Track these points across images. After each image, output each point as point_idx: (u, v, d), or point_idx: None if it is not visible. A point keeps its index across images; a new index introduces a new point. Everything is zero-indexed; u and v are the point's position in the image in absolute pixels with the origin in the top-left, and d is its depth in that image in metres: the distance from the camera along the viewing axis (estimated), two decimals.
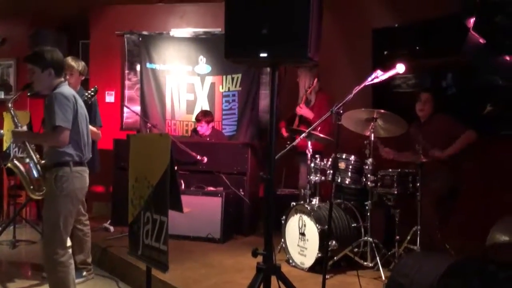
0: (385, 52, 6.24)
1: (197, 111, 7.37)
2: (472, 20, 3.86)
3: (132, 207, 3.03)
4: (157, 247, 2.74)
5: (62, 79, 3.85)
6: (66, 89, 3.76)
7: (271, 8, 2.98)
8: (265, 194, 3.21)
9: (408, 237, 4.60)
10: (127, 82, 7.63)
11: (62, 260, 3.71)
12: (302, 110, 5.80)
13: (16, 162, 4.00)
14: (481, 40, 3.87)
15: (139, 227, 2.95)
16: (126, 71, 7.64)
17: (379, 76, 3.64)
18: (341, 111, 3.51)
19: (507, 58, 4.16)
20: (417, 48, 5.92)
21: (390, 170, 4.72)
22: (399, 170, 4.70)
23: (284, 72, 6.42)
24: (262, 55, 3.00)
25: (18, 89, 8.22)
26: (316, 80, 5.72)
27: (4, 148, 6.37)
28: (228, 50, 3.07)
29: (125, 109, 7.38)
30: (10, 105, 4.03)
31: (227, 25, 3.05)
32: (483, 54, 4.06)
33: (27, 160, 3.85)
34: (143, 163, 2.93)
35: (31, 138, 4.02)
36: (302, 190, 5.26)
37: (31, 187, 3.95)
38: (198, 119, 6.74)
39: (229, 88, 7.39)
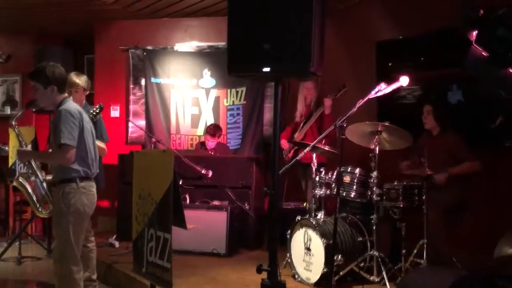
0: (390, 64, 6.23)
1: (201, 125, 7.39)
2: (475, 33, 3.85)
3: (136, 224, 3.02)
4: (161, 265, 2.73)
5: (66, 94, 3.85)
6: (71, 105, 3.75)
7: (274, 23, 2.99)
8: (269, 209, 3.19)
9: (415, 251, 4.56)
10: (132, 97, 7.67)
11: (76, 277, 3.69)
12: (327, 102, 5.79)
13: (21, 180, 3.98)
14: (484, 53, 3.86)
15: (143, 244, 2.94)
16: (131, 86, 7.69)
17: (383, 89, 3.63)
18: (345, 125, 3.49)
19: (511, 71, 4.15)
20: (422, 59, 5.90)
21: (396, 183, 4.69)
22: (405, 183, 4.68)
23: (288, 85, 6.44)
24: (265, 69, 3.00)
25: (23, 106, 8.37)
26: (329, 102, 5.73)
27: (10, 165, 6.39)
28: (231, 65, 3.08)
29: (130, 124, 7.39)
30: (14, 123, 4.03)
31: (230, 40, 3.06)
32: (486, 68, 4.04)
33: (33, 178, 3.84)
34: (147, 180, 2.92)
35: (36, 157, 4.01)
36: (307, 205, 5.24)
37: (38, 205, 3.94)
38: (211, 134, 6.74)
39: (233, 101, 7.40)
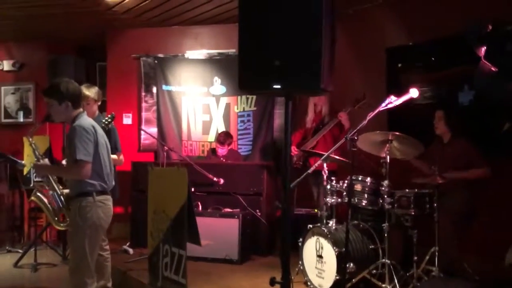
0: (399, 65, 6.24)
1: (213, 131, 7.45)
2: (484, 48, 3.87)
3: (152, 239, 3.08)
4: (176, 280, 2.79)
5: (81, 109, 3.91)
6: (86, 121, 3.82)
7: (284, 40, 3.02)
8: (282, 223, 3.23)
9: (427, 258, 4.60)
10: (144, 104, 7.75)
11: None
12: (343, 117, 5.69)
13: (39, 194, 4.05)
14: (493, 69, 3.88)
15: (158, 259, 3.00)
16: (143, 93, 7.77)
17: (393, 101, 3.66)
18: (356, 137, 3.53)
19: None
20: (432, 59, 5.90)
21: (407, 190, 4.72)
22: (416, 190, 4.70)
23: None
24: (275, 86, 3.04)
25: (36, 114, 8.48)
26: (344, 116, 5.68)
27: (25, 173, 6.50)
28: (241, 82, 3.11)
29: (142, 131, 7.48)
30: (30, 138, 4.10)
31: (241, 58, 3.09)
32: (496, 82, 4.05)
33: (51, 192, 3.91)
34: (162, 196, 2.98)
35: (53, 172, 4.07)
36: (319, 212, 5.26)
37: (55, 218, 4.01)
38: (221, 142, 6.81)
39: (244, 108, 7.45)
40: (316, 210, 5.76)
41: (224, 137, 6.86)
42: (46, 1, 6.57)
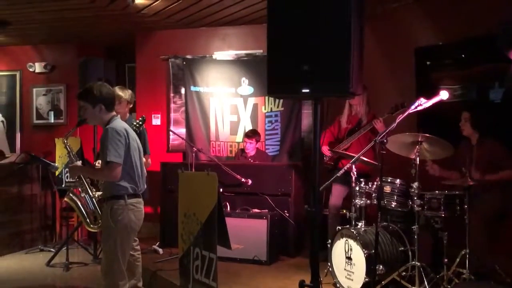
0: (428, 63, 6.17)
1: (240, 131, 7.48)
2: None
3: (182, 242, 3.12)
4: (207, 283, 2.82)
5: (114, 113, 3.97)
6: (118, 124, 3.87)
7: (312, 44, 3.03)
8: (310, 226, 3.24)
9: (457, 260, 4.55)
10: (172, 105, 7.83)
11: None
12: (378, 124, 5.47)
13: (72, 195, 4.14)
14: None
15: (188, 261, 3.04)
16: (171, 95, 7.85)
17: (423, 103, 3.63)
18: (385, 140, 3.51)
19: None
20: (463, 56, 5.81)
21: (437, 192, 4.68)
22: (446, 192, 4.66)
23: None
24: (304, 90, 3.05)
25: (68, 117, 8.65)
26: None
27: (57, 174, 6.62)
28: (271, 87, 3.14)
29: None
30: (66, 141, 4.17)
31: (269, 64, 3.11)
32: None
33: (83, 194, 3.99)
34: (192, 200, 3.02)
35: (85, 173, 4.14)
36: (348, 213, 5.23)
37: (88, 220, 4.09)
38: (248, 135, 6.88)
39: (271, 108, 7.46)
40: (345, 211, 5.74)
41: (252, 132, 6.93)
42: (75, 5, 6.68)
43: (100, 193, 4.01)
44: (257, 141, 6.89)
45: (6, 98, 9.30)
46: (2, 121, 9.30)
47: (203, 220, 2.85)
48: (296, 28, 3.06)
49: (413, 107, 3.64)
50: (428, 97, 3.70)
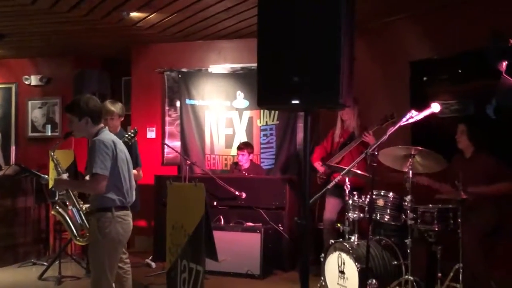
0: (424, 78, 6.17)
1: (235, 145, 7.46)
2: (505, 64, 3.82)
3: (170, 254, 3.09)
4: None
5: (102, 125, 3.94)
6: (106, 136, 3.84)
7: (302, 56, 3.01)
8: (300, 240, 3.20)
9: (451, 274, 4.51)
10: (167, 118, 7.82)
11: None
12: (367, 138, 5.50)
13: (58, 208, 4.10)
14: None
15: (176, 274, 3.00)
16: (167, 108, 7.84)
17: (414, 115, 3.62)
18: (376, 153, 3.50)
19: None
20: (459, 71, 5.81)
21: (431, 206, 4.66)
22: (440, 206, 4.64)
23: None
24: (294, 102, 3.03)
25: (63, 128, 8.62)
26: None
27: (50, 186, 6.58)
28: (261, 98, 3.12)
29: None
30: (52, 153, 4.16)
31: (260, 74, 3.11)
32: None
33: (70, 207, 3.95)
34: (180, 212, 2.99)
35: (72, 186, 4.11)
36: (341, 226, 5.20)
37: (75, 233, 4.04)
38: (240, 148, 6.87)
39: (266, 122, 7.46)
40: (338, 225, 5.70)
41: (244, 144, 6.92)
42: (70, 18, 6.68)
43: (88, 205, 3.97)
44: (249, 153, 6.86)
45: (2, 111, 9.28)
46: None
47: (191, 232, 2.82)
48: (286, 39, 3.05)
49: (404, 119, 3.63)
50: (421, 110, 3.68)
